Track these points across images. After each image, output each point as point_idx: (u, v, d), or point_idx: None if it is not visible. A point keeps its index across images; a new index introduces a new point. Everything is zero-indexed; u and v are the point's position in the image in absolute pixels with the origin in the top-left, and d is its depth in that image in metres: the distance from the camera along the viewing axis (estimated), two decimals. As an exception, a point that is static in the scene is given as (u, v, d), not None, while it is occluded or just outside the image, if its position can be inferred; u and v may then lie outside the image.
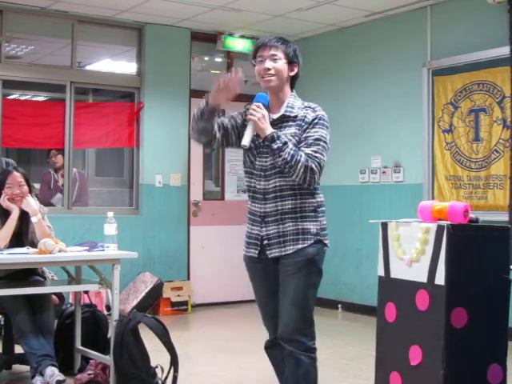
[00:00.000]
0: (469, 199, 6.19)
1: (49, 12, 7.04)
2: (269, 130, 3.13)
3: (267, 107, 3.23)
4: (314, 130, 3.18)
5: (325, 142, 3.17)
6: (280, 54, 3.24)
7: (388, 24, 7.19)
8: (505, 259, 3.06)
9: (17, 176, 4.60)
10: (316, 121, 3.20)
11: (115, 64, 7.96)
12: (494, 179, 6.11)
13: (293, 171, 3.10)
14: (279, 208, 3.20)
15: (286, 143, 3.10)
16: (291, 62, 3.28)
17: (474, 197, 6.25)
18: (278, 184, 3.20)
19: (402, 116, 6.99)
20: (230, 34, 7.87)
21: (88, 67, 7.72)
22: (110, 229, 4.39)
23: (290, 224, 3.19)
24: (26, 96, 7.76)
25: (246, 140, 3.15)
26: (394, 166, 7.08)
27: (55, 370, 4.19)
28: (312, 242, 3.19)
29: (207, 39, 7.95)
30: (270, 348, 3.39)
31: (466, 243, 2.97)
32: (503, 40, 5.95)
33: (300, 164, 3.07)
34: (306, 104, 3.29)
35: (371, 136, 7.32)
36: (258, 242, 3.26)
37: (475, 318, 2.94)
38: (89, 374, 4.42)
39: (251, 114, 3.13)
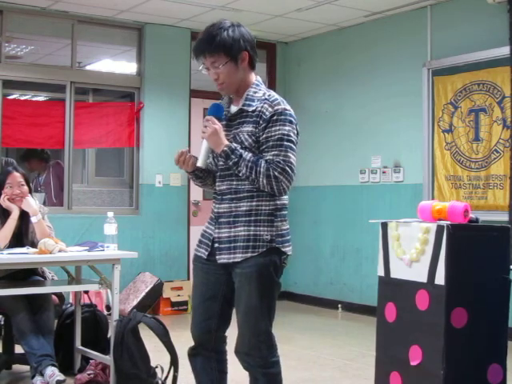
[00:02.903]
0: (469, 199, 6.20)
1: (49, 12, 7.04)
2: (222, 146, 2.89)
3: (221, 119, 2.98)
4: (274, 128, 2.88)
5: (289, 141, 2.88)
6: (220, 59, 2.93)
7: (388, 24, 7.19)
8: (505, 259, 3.06)
9: (17, 176, 4.60)
10: (275, 117, 2.88)
11: (115, 64, 7.96)
12: (493, 179, 6.11)
13: (256, 183, 2.87)
14: (233, 209, 2.95)
15: (241, 156, 2.87)
16: (236, 56, 2.94)
17: (474, 197, 6.25)
18: (234, 184, 2.96)
19: (401, 116, 6.99)
20: (230, 34, 7.86)
21: (88, 67, 7.72)
22: (110, 229, 4.38)
23: (242, 228, 2.92)
24: (26, 96, 7.75)
25: (200, 160, 2.97)
26: (394, 165, 7.08)
27: (55, 370, 4.19)
28: (264, 250, 2.90)
29: (207, 39, 7.94)
30: (192, 356, 3.14)
31: (466, 243, 2.97)
32: (503, 40, 5.95)
33: (261, 175, 2.84)
34: (266, 95, 2.95)
35: (371, 136, 7.32)
36: (210, 243, 3.02)
37: (475, 318, 2.94)
38: (89, 374, 4.42)
39: (203, 131, 2.93)
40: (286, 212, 3.01)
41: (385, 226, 3.23)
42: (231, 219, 2.95)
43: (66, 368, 4.53)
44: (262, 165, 2.86)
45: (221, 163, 3.02)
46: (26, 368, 4.53)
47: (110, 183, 7.71)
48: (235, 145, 2.92)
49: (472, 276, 2.97)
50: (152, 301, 7.16)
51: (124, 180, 7.81)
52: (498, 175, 6.08)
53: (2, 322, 4.84)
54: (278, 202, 2.97)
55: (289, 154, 2.88)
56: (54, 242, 4.28)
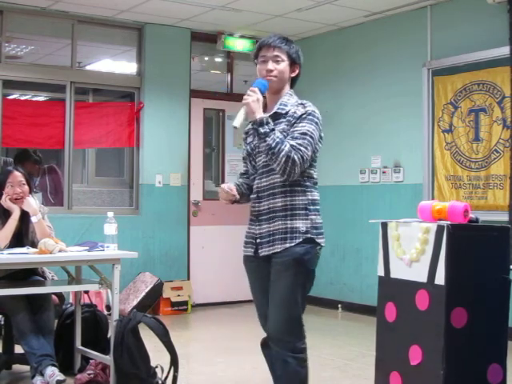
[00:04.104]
0: (469, 199, 6.20)
1: (49, 12, 7.04)
2: (260, 114, 3.11)
3: (264, 95, 3.22)
4: (301, 124, 3.16)
5: (311, 137, 3.14)
6: (283, 56, 3.26)
7: (388, 24, 7.19)
8: (505, 259, 3.06)
9: (18, 175, 4.60)
10: (304, 116, 3.18)
11: (115, 64, 7.96)
12: (493, 179, 6.11)
13: (275, 159, 3.07)
14: (271, 206, 3.20)
15: (273, 130, 3.09)
16: (293, 63, 3.30)
17: (474, 197, 6.25)
18: (270, 182, 3.21)
19: (401, 116, 6.99)
20: (230, 34, 7.87)
21: (88, 67, 7.72)
22: (110, 229, 4.38)
23: (280, 222, 3.17)
24: (26, 96, 7.75)
25: (237, 121, 3.13)
26: (394, 165, 7.08)
27: (55, 370, 4.19)
28: (300, 240, 3.15)
29: (207, 39, 7.95)
30: (265, 346, 3.39)
31: (466, 243, 2.97)
32: (503, 40, 5.95)
33: (283, 153, 3.05)
34: (299, 102, 3.27)
35: (371, 136, 7.32)
36: (254, 241, 3.28)
37: (475, 317, 2.94)
38: (89, 374, 4.42)
39: (245, 98, 3.13)
40: (318, 207, 3.26)
41: (385, 226, 3.23)
42: (270, 215, 3.21)
43: (66, 368, 4.53)
44: (287, 145, 3.07)
45: (259, 162, 3.26)
46: (26, 368, 4.53)
47: (110, 183, 7.72)
48: (270, 120, 3.14)
49: (472, 276, 2.97)
50: (152, 301, 7.16)
51: (124, 180, 7.81)
52: (497, 175, 6.08)
53: (2, 322, 4.84)
54: (310, 197, 3.22)
55: (308, 148, 3.12)
56: (54, 242, 4.28)
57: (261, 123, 3.09)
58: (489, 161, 6.15)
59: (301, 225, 3.16)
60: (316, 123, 3.19)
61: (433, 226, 2.97)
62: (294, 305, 3.17)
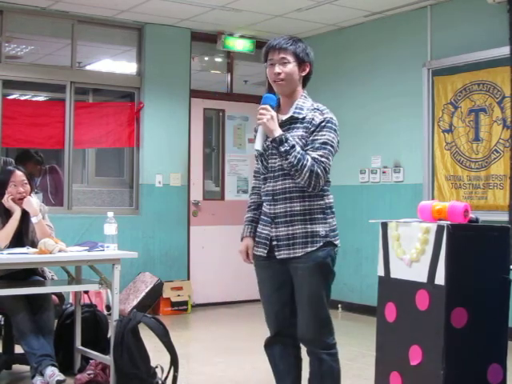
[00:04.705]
0: (469, 199, 6.19)
1: (49, 12, 7.04)
2: (277, 132, 3.13)
3: (275, 108, 3.22)
4: (321, 133, 3.17)
5: (331, 146, 3.18)
6: (289, 57, 3.26)
7: (388, 24, 7.19)
8: (505, 259, 3.06)
9: (20, 175, 4.60)
10: (324, 124, 3.19)
11: (115, 64, 7.96)
12: (493, 179, 6.11)
13: (298, 175, 3.11)
14: (288, 210, 3.23)
15: (293, 146, 3.10)
16: (302, 62, 3.31)
17: (474, 197, 6.25)
18: (287, 186, 3.23)
19: (401, 116, 6.99)
20: (230, 34, 7.87)
21: (88, 67, 7.72)
22: (110, 229, 4.38)
23: (300, 226, 3.21)
24: (26, 96, 7.75)
25: (258, 144, 3.19)
26: (394, 165, 7.08)
27: (55, 370, 4.19)
28: (321, 244, 3.21)
29: (207, 39, 7.95)
30: (269, 346, 3.43)
31: (466, 243, 2.97)
32: (503, 40, 5.95)
33: (306, 168, 3.09)
34: (315, 105, 3.28)
35: (371, 136, 7.32)
36: (268, 242, 3.30)
37: (475, 317, 2.94)
38: (89, 374, 4.42)
39: (259, 118, 3.16)
40: (334, 209, 3.32)
41: (385, 226, 3.23)
42: (288, 218, 3.24)
43: (66, 368, 4.52)
44: (309, 160, 3.11)
45: (273, 165, 3.26)
46: (26, 368, 4.52)
47: (110, 183, 7.72)
48: (288, 135, 3.17)
49: (472, 276, 2.97)
50: (152, 301, 7.16)
51: (124, 180, 7.81)
52: (498, 175, 6.08)
53: (2, 322, 4.84)
54: (327, 201, 3.28)
55: (330, 158, 3.17)
56: (53, 242, 4.28)
57: (280, 142, 3.12)
58: (489, 161, 6.15)
59: (321, 229, 3.22)
60: (335, 130, 3.22)
61: (433, 226, 2.97)
62: (322, 305, 3.26)
